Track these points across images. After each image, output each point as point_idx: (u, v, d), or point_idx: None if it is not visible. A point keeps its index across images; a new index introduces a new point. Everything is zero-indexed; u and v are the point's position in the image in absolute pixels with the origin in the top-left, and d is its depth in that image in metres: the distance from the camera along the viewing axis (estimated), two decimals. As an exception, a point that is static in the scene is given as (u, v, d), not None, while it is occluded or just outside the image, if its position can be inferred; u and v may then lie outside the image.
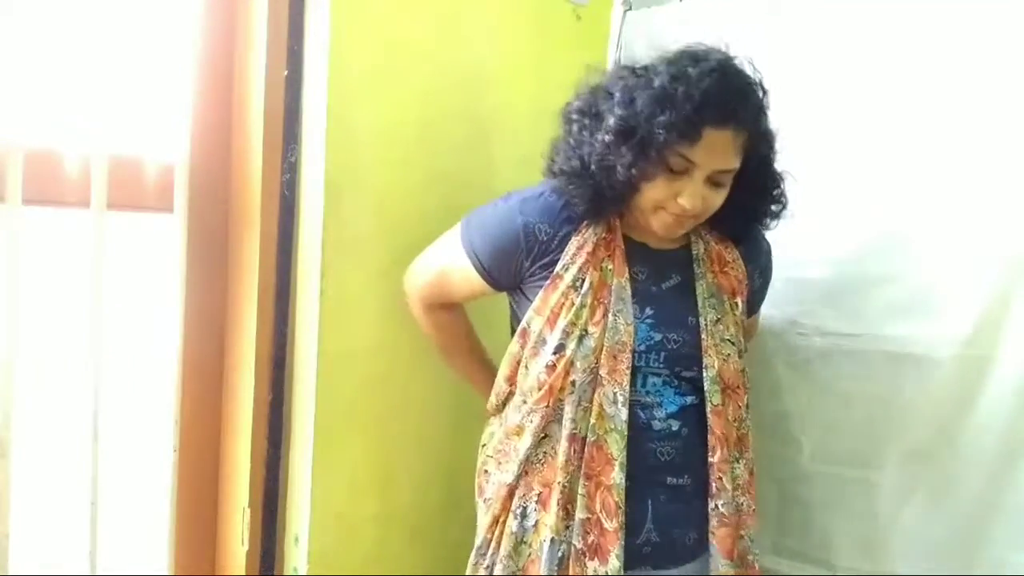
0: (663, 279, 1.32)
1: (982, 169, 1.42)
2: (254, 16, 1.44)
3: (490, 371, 1.42)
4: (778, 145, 1.30)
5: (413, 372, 1.60)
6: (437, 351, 1.50)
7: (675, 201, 1.21)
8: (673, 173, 1.20)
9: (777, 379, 1.60)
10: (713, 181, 1.22)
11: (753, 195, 1.30)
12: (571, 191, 1.27)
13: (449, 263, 1.37)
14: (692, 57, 1.20)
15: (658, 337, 1.28)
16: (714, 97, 1.16)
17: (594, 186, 1.25)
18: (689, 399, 1.31)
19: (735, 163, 1.22)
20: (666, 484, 1.29)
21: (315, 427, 1.47)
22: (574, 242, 1.28)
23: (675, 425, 1.29)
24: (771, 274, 1.46)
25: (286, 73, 1.44)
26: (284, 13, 1.44)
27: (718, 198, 1.24)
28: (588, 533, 1.24)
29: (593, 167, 1.23)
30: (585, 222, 1.29)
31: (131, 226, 1.36)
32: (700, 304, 1.31)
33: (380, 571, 1.57)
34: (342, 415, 1.51)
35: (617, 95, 1.22)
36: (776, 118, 1.35)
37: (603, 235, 1.29)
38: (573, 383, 1.25)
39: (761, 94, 1.23)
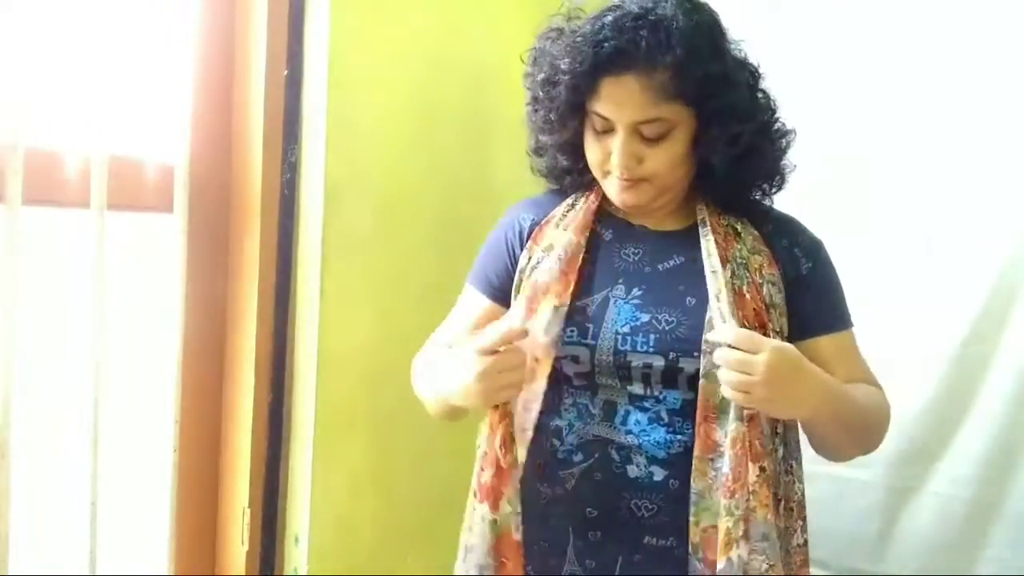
0: (661, 260, 1.19)
1: (982, 169, 1.42)
2: (254, 16, 1.43)
3: None
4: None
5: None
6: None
7: (610, 162, 1.13)
8: (600, 133, 1.13)
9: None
10: (645, 136, 1.10)
11: (726, 147, 1.12)
12: (539, 165, 1.27)
13: (458, 310, 1.31)
14: (606, 7, 1.11)
15: (645, 318, 1.14)
16: (606, 42, 1.06)
17: (550, 158, 1.24)
18: (679, 437, 1.10)
19: (657, 111, 1.08)
20: (643, 544, 1.12)
21: (315, 427, 1.47)
22: (552, 221, 1.23)
23: (658, 474, 1.11)
24: (832, 274, 1.22)
25: (286, 73, 1.44)
26: (284, 13, 1.44)
27: (658, 155, 1.11)
28: (483, 470, 1.14)
29: (535, 141, 1.24)
30: (567, 202, 1.24)
31: (131, 226, 1.36)
32: (709, 277, 1.12)
33: (380, 571, 1.57)
34: (342, 415, 1.51)
35: (528, 59, 1.20)
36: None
37: (593, 219, 1.21)
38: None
39: (680, 26, 1.07)
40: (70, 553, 1.28)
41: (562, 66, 1.11)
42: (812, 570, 1.57)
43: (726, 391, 1.04)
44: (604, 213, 1.22)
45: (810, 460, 1.57)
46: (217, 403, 1.50)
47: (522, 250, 1.23)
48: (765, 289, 1.14)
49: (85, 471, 1.27)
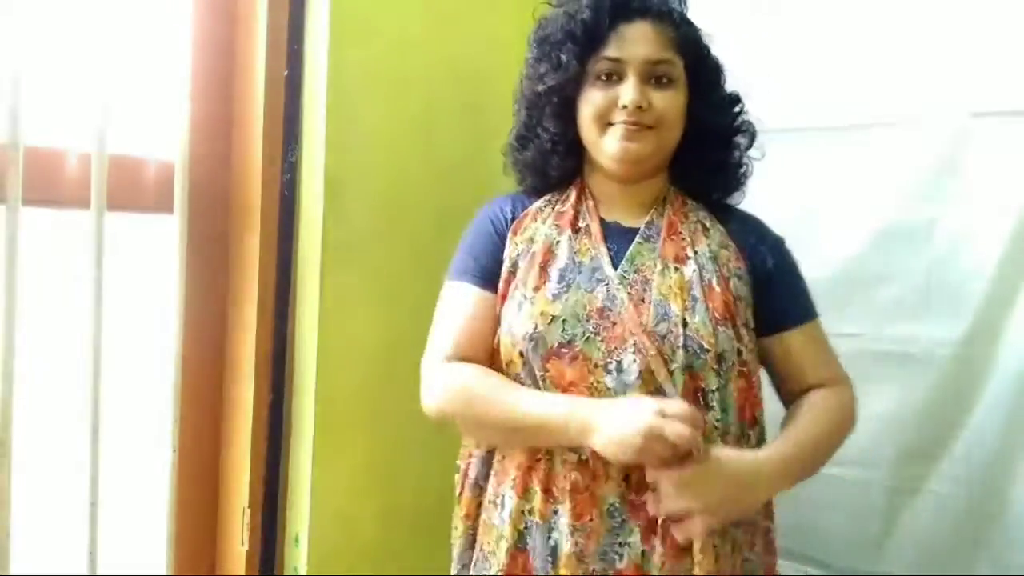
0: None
1: (982, 168, 1.42)
2: (254, 16, 1.43)
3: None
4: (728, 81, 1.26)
5: (413, 372, 1.60)
6: (479, 412, 1.20)
7: (617, 107, 1.16)
8: (606, 82, 1.18)
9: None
10: (653, 78, 1.17)
11: (706, 114, 1.21)
12: (519, 157, 1.28)
13: (447, 310, 1.27)
14: None
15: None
16: None
17: (537, 143, 1.25)
18: None
19: (668, 54, 1.17)
20: None
21: (315, 427, 1.47)
22: (531, 214, 1.26)
23: None
24: (794, 269, 1.27)
25: (286, 73, 1.44)
26: (284, 13, 1.44)
27: (668, 98, 1.17)
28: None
29: (524, 114, 1.26)
30: (544, 198, 1.26)
31: (131, 226, 1.36)
32: (616, 270, 1.17)
33: (380, 571, 1.57)
34: (342, 415, 1.51)
35: (533, 32, 1.26)
36: (777, 117, 1.36)
37: (565, 209, 1.24)
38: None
39: (682, 5, 1.23)
40: (70, 553, 1.28)
41: (584, 3, 1.18)
42: (812, 570, 1.57)
43: (681, 534, 1.08)
44: (580, 210, 1.25)
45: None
46: (217, 403, 1.50)
47: (506, 239, 1.25)
48: (732, 282, 1.18)
49: (85, 471, 1.27)
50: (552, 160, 1.24)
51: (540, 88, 1.22)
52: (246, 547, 1.47)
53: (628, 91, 1.15)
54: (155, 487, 1.40)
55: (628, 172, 1.20)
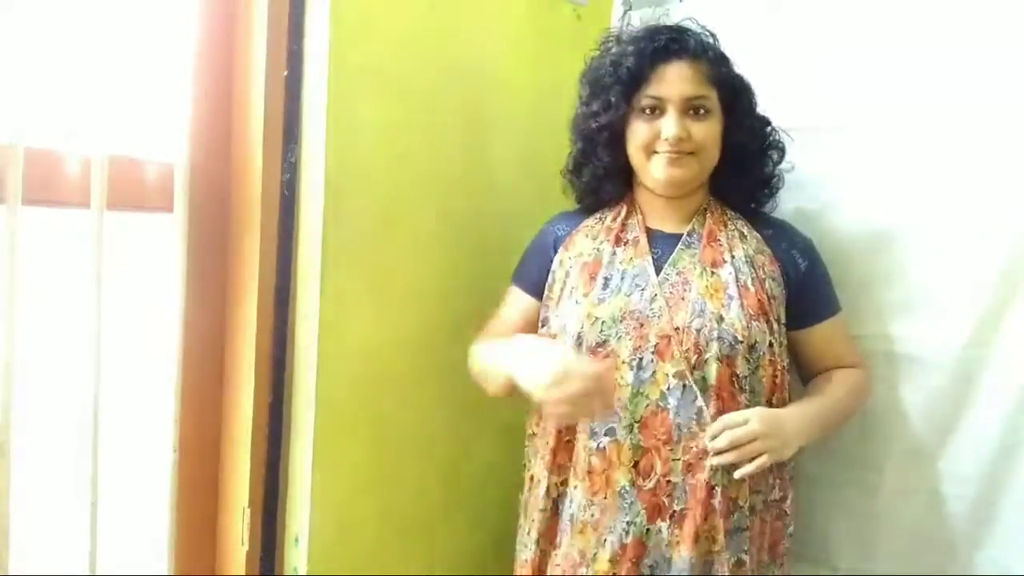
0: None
1: (983, 168, 1.42)
2: (254, 16, 1.43)
3: None
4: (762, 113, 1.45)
5: (413, 372, 1.60)
6: (487, 361, 1.47)
7: (660, 138, 1.34)
8: (649, 115, 1.36)
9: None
10: (691, 111, 1.35)
11: (740, 137, 1.40)
12: (576, 183, 1.48)
13: (504, 307, 1.54)
14: (637, 28, 1.46)
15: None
16: (662, 35, 1.36)
17: (590, 168, 1.44)
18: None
19: (703, 90, 1.35)
20: None
21: (315, 427, 1.47)
22: (582, 231, 1.46)
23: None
24: (824, 269, 1.45)
25: (286, 73, 1.44)
26: (284, 13, 1.43)
27: (705, 128, 1.35)
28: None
29: (580, 144, 1.44)
30: (595, 216, 1.47)
31: (131, 226, 1.36)
32: (659, 274, 1.37)
33: (380, 571, 1.57)
34: (342, 415, 1.51)
35: (584, 74, 1.45)
36: (778, 115, 1.37)
37: (614, 224, 1.43)
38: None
39: (711, 38, 1.40)
40: (70, 553, 1.28)
41: (628, 50, 1.37)
42: (812, 570, 1.57)
43: (743, 464, 1.27)
44: (628, 224, 1.44)
45: (810, 459, 1.57)
46: (217, 403, 1.50)
47: (555, 255, 1.46)
48: (767, 283, 1.37)
49: (85, 471, 1.27)
50: (606, 185, 1.45)
51: (594, 125, 1.41)
52: (246, 547, 1.47)
53: (669, 125, 1.33)
54: (155, 487, 1.40)
55: (672, 193, 1.40)
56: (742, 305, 1.32)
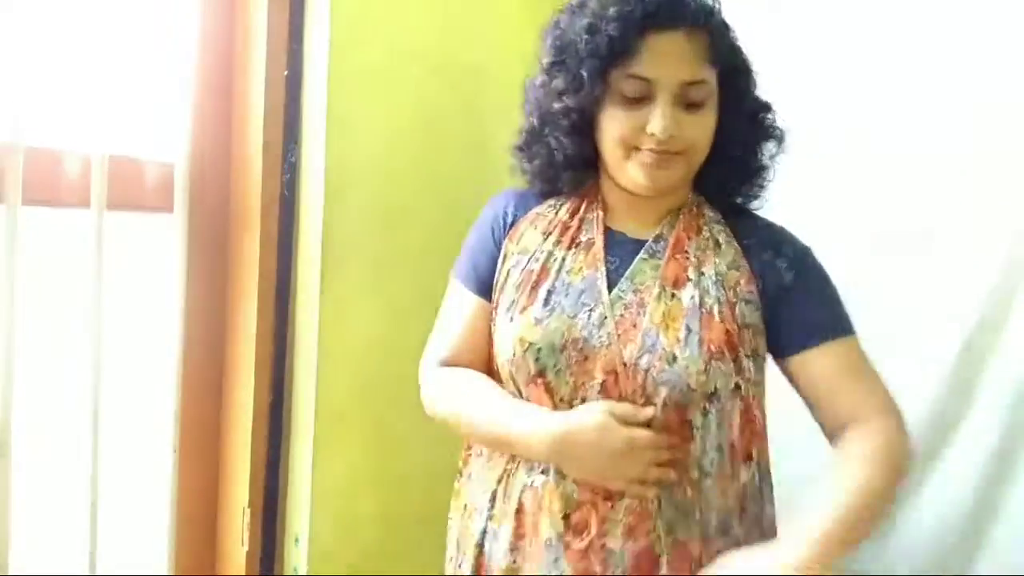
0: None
1: (982, 168, 1.42)
2: (254, 16, 1.43)
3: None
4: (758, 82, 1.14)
5: (413, 372, 1.60)
6: (458, 409, 1.19)
7: (644, 133, 1.03)
8: (633, 102, 1.04)
9: (776, 380, 1.60)
10: (686, 102, 1.04)
11: (735, 124, 1.10)
12: (527, 166, 1.17)
13: (447, 311, 1.24)
14: None
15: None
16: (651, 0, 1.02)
17: (547, 151, 1.13)
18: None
19: (703, 73, 1.04)
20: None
21: (315, 427, 1.47)
22: (530, 217, 1.17)
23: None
24: (821, 282, 1.13)
25: (286, 73, 1.44)
26: (284, 13, 1.44)
27: (701, 123, 1.06)
28: None
29: (536, 122, 1.13)
30: (549, 202, 1.17)
31: (131, 226, 1.36)
32: (613, 290, 1.08)
33: (380, 571, 1.57)
34: (342, 415, 1.51)
35: (549, 32, 1.11)
36: (777, 116, 1.35)
37: (570, 219, 1.15)
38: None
39: (717, 5, 1.08)
40: (70, 553, 1.28)
41: (609, 12, 1.02)
42: (812, 570, 1.57)
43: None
44: (585, 220, 1.16)
45: (811, 459, 1.57)
46: (217, 403, 1.50)
47: (503, 243, 1.18)
48: (739, 308, 1.07)
49: (85, 471, 1.27)
50: (564, 174, 1.14)
51: (557, 105, 1.08)
52: (246, 547, 1.47)
53: (658, 120, 1.02)
54: (155, 487, 1.40)
55: (651, 195, 1.11)
56: (701, 341, 1.03)
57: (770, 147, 1.15)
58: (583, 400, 1.06)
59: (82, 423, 1.27)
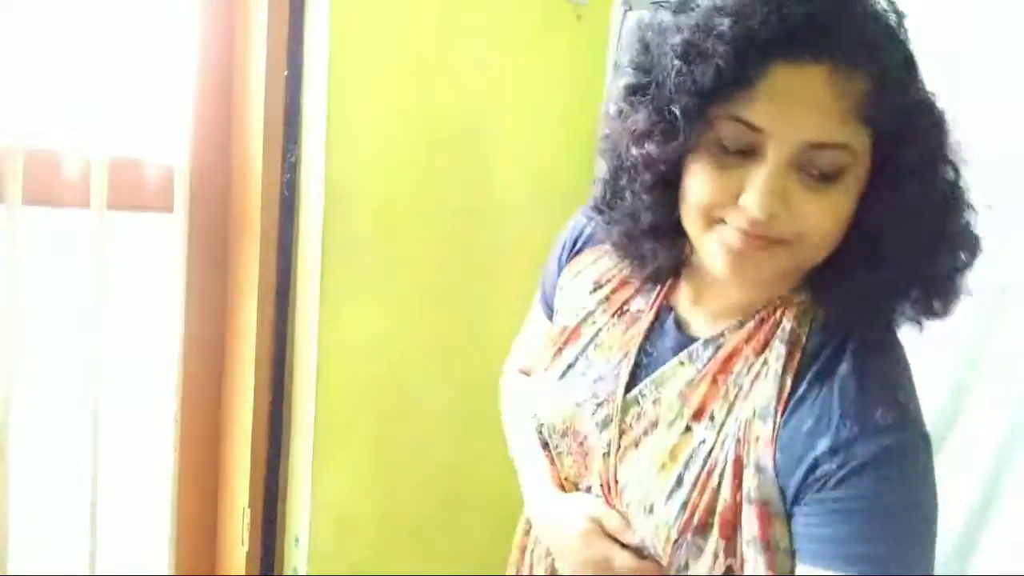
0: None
1: (982, 168, 1.42)
2: (254, 16, 1.43)
3: None
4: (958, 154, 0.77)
5: (413, 372, 1.60)
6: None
7: (735, 203, 0.71)
8: (729, 155, 0.72)
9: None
10: (811, 169, 0.70)
11: (908, 216, 0.72)
12: (606, 225, 0.85)
13: (529, 324, 1.07)
14: None
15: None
16: (782, 10, 0.67)
17: (626, 211, 0.81)
18: None
19: (843, 133, 0.69)
20: None
21: (315, 427, 1.47)
22: (600, 249, 0.91)
23: None
24: (881, 488, 0.71)
25: (286, 73, 1.44)
26: (284, 13, 1.43)
27: (824, 207, 0.70)
28: None
29: (611, 170, 0.82)
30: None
31: (131, 226, 1.36)
32: (633, 390, 0.84)
33: (380, 571, 1.57)
34: (342, 415, 1.51)
35: (632, 34, 0.78)
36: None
37: (632, 282, 0.89)
38: None
39: (894, 16, 0.72)
40: (70, 553, 1.28)
41: (721, 26, 0.68)
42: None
43: None
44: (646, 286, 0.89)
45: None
46: (217, 403, 1.50)
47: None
48: (748, 475, 0.75)
49: (85, 471, 1.27)
50: (644, 245, 0.82)
51: (635, 151, 0.76)
52: (246, 547, 1.47)
53: (756, 191, 0.69)
54: (155, 487, 1.40)
55: (736, 284, 0.78)
56: (685, 505, 0.76)
57: (963, 256, 0.77)
58: (589, 489, 0.87)
59: (82, 423, 1.27)
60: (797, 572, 0.73)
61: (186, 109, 1.39)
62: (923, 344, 0.80)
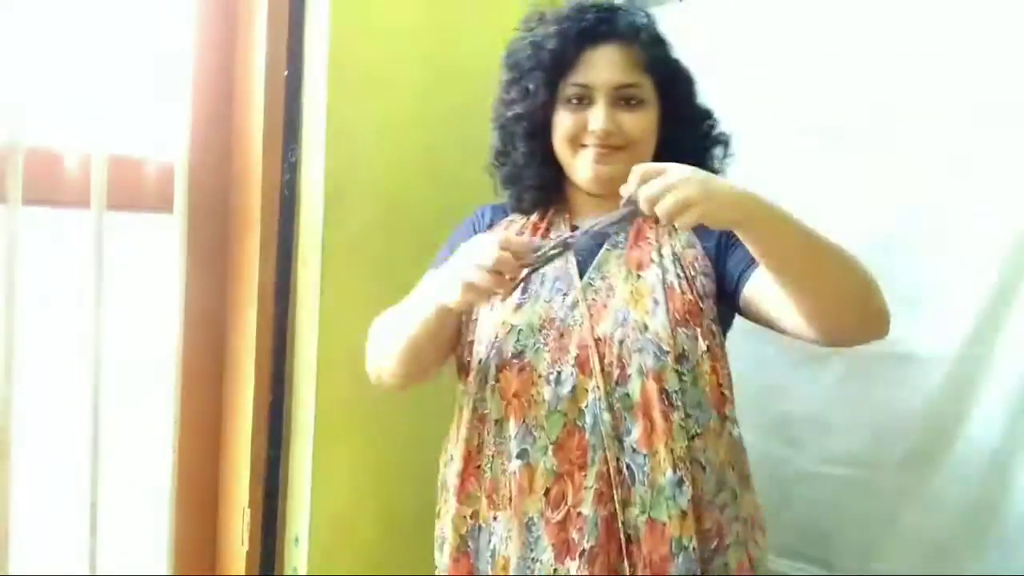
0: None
1: (982, 168, 1.42)
2: (254, 16, 1.44)
3: None
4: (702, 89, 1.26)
5: (413, 372, 1.60)
6: (394, 348, 1.26)
7: (587, 131, 1.19)
8: (576, 105, 1.20)
9: (777, 380, 1.60)
10: (622, 101, 1.19)
11: (678, 130, 1.23)
12: (501, 181, 1.31)
13: (415, 290, 1.30)
14: (563, 7, 1.27)
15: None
16: (590, 14, 1.20)
17: (511, 162, 1.27)
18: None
19: (635, 77, 1.19)
20: None
21: (315, 427, 1.47)
22: (503, 223, 1.30)
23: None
24: None
25: (286, 73, 1.44)
26: (284, 13, 1.44)
27: (637, 120, 1.19)
28: None
29: (498, 136, 1.28)
30: (519, 214, 1.30)
31: (131, 226, 1.36)
32: (584, 277, 1.18)
33: (380, 571, 1.57)
34: (342, 415, 1.51)
35: (504, 57, 1.28)
36: (774, 116, 1.35)
37: (541, 224, 1.27)
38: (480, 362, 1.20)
39: (646, 19, 1.23)
40: (70, 553, 1.28)
41: (551, 31, 1.21)
42: (812, 570, 1.57)
43: (666, 216, 0.97)
44: (554, 221, 1.28)
45: (810, 460, 1.58)
46: (217, 403, 1.50)
47: None
48: (699, 281, 1.18)
49: (85, 471, 1.27)
50: (527, 172, 1.27)
51: (510, 114, 1.25)
52: (246, 547, 1.47)
53: (596, 117, 1.18)
54: (155, 487, 1.40)
55: (601, 191, 1.21)
56: (668, 311, 1.14)
57: (718, 152, 1.28)
58: (559, 374, 1.14)
59: (82, 423, 1.27)
60: (748, 293, 1.16)
61: (186, 109, 1.39)
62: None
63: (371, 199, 1.51)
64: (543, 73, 1.20)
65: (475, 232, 1.31)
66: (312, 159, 1.46)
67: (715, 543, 1.13)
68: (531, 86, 1.22)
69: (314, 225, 1.46)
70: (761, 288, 1.14)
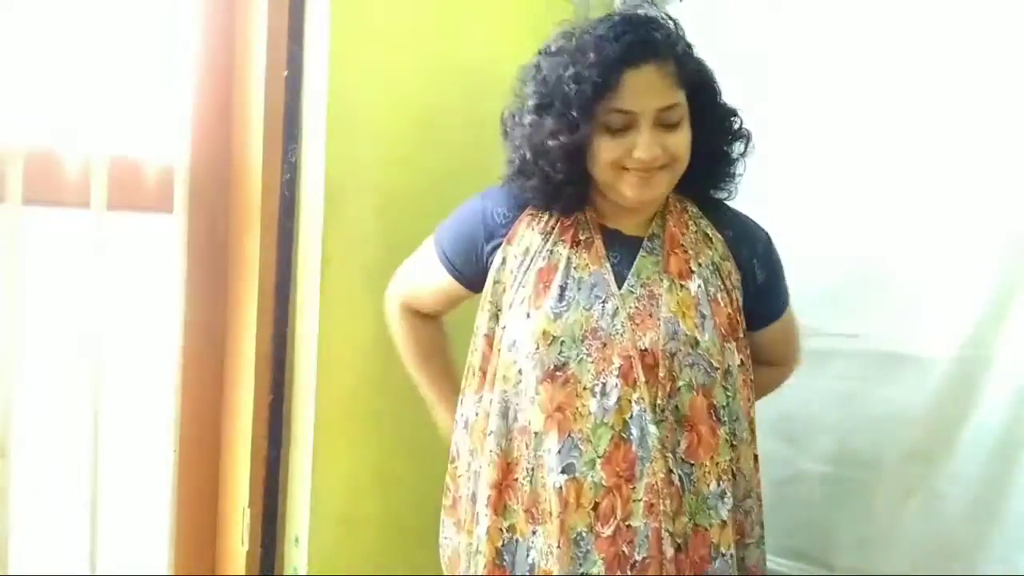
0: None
1: (982, 168, 1.42)
2: (254, 16, 1.44)
3: (456, 391, 1.33)
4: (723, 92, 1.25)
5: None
6: (408, 362, 1.39)
7: (631, 157, 1.15)
8: (618, 131, 1.15)
9: (777, 379, 1.60)
10: (664, 124, 1.15)
11: (707, 132, 1.21)
12: (526, 188, 1.23)
13: (422, 262, 1.34)
14: (608, 15, 1.22)
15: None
16: (627, 35, 1.14)
17: (542, 175, 1.20)
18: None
19: (675, 97, 1.16)
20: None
21: (315, 427, 1.47)
22: (525, 220, 1.24)
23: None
24: (779, 268, 1.31)
25: (286, 73, 1.44)
26: (284, 13, 1.44)
27: (678, 140, 1.17)
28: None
29: (530, 155, 1.20)
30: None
31: (131, 226, 1.37)
32: (623, 285, 1.19)
33: (380, 571, 1.57)
34: (342, 415, 1.51)
35: (530, 75, 1.23)
36: (776, 117, 1.35)
37: (568, 222, 1.23)
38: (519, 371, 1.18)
39: (676, 28, 1.21)
40: (70, 553, 1.28)
41: (590, 58, 1.14)
42: (812, 570, 1.57)
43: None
44: (580, 221, 1.24)
45: (810, 460, 1.58)
46: (217, 403, 1.50)
47: (490, 248, 1.25)
48: (735, 294, 1.23)
49: (85, 471, 1.27)
50: (564, 191, 1.21)
51: (552, 143, 1.17)
52: (246, 547, 1.47)
53: (643, 145, 1.14)
54: (155, 487, 1.40)
55: (642, 207, 1.22)
56: (715, 326, 1.17)
57: (738, 146, 1.27)
58: (604, 385, 1.14)
59: (82, 423, 1.27)
60: (765, 333, 1.31)
61: (186, 109, 1.39)
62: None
63: (371, 199, 1.51)
64: (587, 103, 1.14)
65: (485, 228, 1.27)
66: (312, 159, 1.46)
67: (739, 543, 1.20)
68: (574, 115, 1.15)
69: (314, 225, 1.46)
70: (762, 339, 1.30)
